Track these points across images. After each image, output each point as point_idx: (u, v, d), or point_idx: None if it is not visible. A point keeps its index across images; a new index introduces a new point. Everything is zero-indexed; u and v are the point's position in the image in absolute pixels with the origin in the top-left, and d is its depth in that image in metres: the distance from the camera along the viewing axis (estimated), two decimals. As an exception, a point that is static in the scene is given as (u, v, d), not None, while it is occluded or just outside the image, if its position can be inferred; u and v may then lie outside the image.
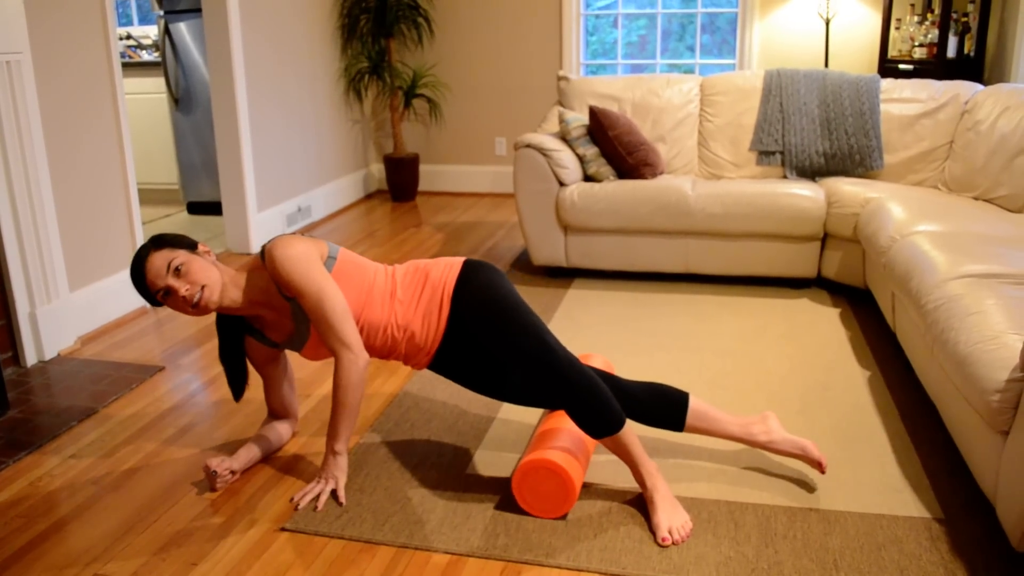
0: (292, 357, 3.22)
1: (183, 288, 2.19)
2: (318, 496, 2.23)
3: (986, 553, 1.97)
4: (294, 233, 2.31)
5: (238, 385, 2.45)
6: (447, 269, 2.34)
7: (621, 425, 2.09)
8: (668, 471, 2.35)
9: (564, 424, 2.28)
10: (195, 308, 2.21)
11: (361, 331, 2.31)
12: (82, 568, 2.01)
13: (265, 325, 2.39)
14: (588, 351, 3.22)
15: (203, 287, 2.20)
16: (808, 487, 2.26)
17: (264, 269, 2.29)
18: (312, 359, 2.42)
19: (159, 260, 2.20)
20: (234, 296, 2.28)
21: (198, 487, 2.35)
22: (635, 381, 2.31)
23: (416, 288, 2.34)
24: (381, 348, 2.35)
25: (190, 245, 2.28)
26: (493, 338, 2.17)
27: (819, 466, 2.26)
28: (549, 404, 2.21)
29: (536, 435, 2.29)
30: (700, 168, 4.25)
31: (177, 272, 2.19)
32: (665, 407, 2.27)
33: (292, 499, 2.25)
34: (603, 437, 2.11)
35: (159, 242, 2.24)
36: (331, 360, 3.20)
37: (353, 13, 5.77)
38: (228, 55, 4.51)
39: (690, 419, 2.28)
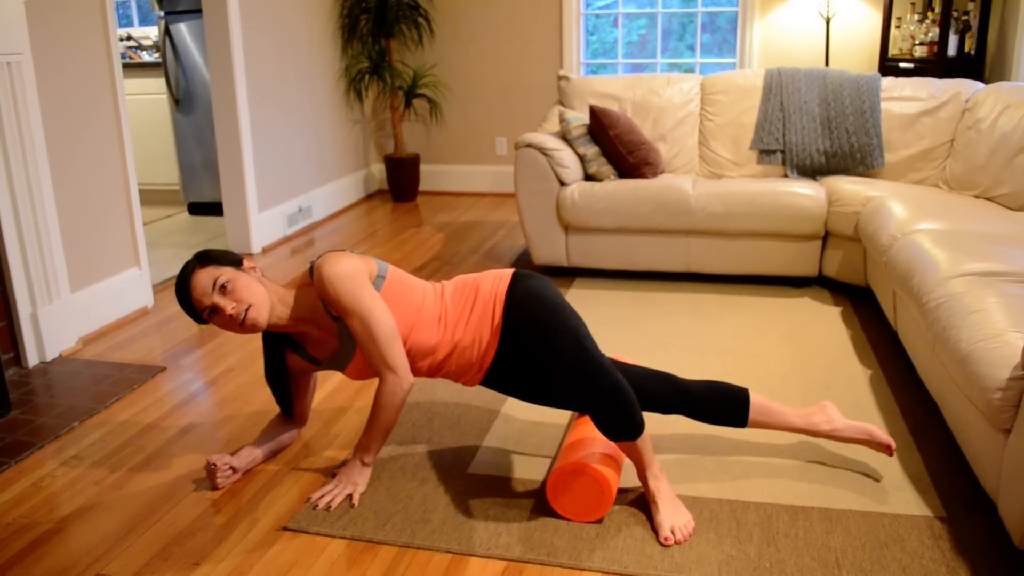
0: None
1: (229, 306, 2.15)
2: (333, 498, 2.23)
3: (988, 551, 1.97)
4: (344, 250, 2.29)
5: (286, 401, 2.44)
6: (497, 280, 2.33)
7: (640, 432, 2.07)
8: (670, 470, 2.35)
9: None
10: (242, 326, 2.18)
11: (408, 353, 2.28)
12: (84, 569, 2.01)
13: (309, 341, 2.36)
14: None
15: (249, 306, 2.17)
16: (810, 485, 2.26)
17: (312, 286, 2.26)
18: (355, 378, 2.38)
19: (204, 277, 2.16)
20: (281, 313, 2.26)
21: (200, 487, 2.35)
22: (695, 380, 2.30)
23: (467, 304, 2.32)
24: (428, 369, 2.34)
25: (236, 261, 2.25)
26: (533, 338, 2.13)
27: (887, 449, 2.25)
28: (579, 406, 2.18)
29: (579, 438, 2.25)
30: (701, 167, 4.25)
31: (223, 290, 2.16)
32: (728, 405, 2.26)
33: (309, 499, 2.25)
34: (621, 441, 2.10)
35: (204, 259, 2.20)
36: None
37: (353, 13, 5.77)
38: (228, 56, 4.51)
39: (752, 414, 2.27)
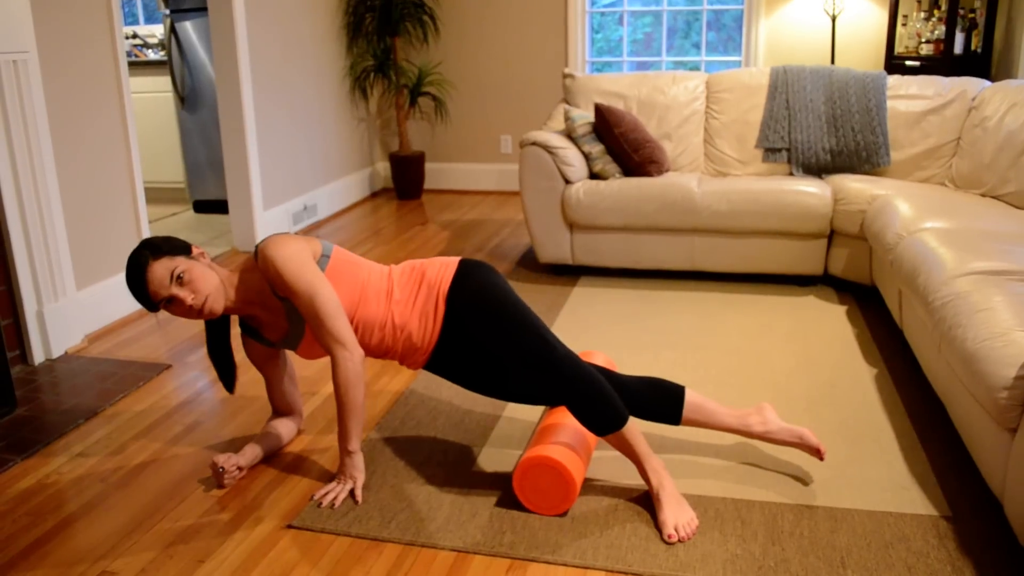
0: (295, 356, 3.22)
1: (189, 298, 2.18)
2: (336, 496, 2.24)
3: (994, 551, 1.97)
4: (287, 232, 2.31)
5: (228, 378, 2.47)
6: (443, 268, 2.34)
7: (624, 422, 2.09)
8: (674, 468, 2.35)
9: (565, 420, 2.28)
10: (199, 315, 2.21)
11: (356, 329, 2.30)
12: (90, 565, 2.01)
13: (261, 324, 2.39)
14: (594, 349, 3.22)
15: (207, 295, 2.20)
16: (815, 484, 2.25)
17: (257, 269, 2.29)
18: (308, 358, 2.42)
19: (160, 269, 2.18)
20: (230, 296, 2.29)
21: (205, 484, 2.36)
22: (631, 376, 2.32)
23: (412, 287, 2.34)
24: (377, 347, 2.35)
25: (186, 249, 2.27)
26: (492, 337, 2.17)
27: (818, 453, 2.26)
28: (551, 401, 2.22)
29: (537, 431, 2.29)
30: (706, 165, 4.24)
31: (180, 280, 2.18)
32: (661, 401, 2.28)
33: (312, 498, 2.25)
34: (607, 434, 2.11)
35: (155, 249, 2.21)
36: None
37: (358, 11, 5.77)
38: (234, 54, 4.52)
39: (686, 412, 2.29)
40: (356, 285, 2.30)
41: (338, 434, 2.28)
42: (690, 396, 2.30)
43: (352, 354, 2.21)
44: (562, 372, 2.08)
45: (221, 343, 2.44)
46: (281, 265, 2.20)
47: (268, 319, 2.36)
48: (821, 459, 2.27)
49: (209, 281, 2.22)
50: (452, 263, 2.36)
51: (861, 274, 3.68)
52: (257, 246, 2.27)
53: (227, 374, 2.46)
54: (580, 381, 2.08)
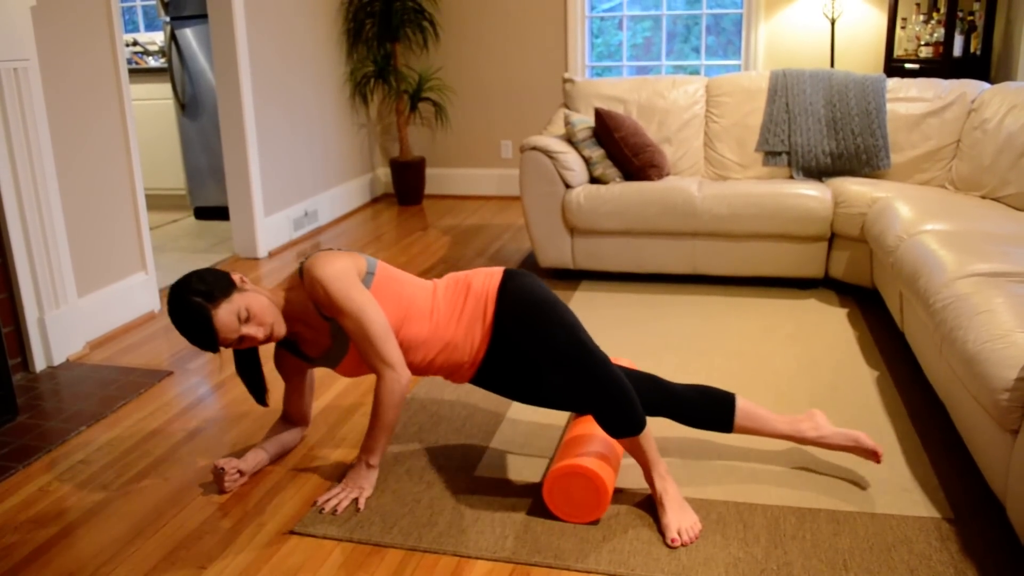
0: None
1: (261, 333, 2.18)
2: (339, 502, 2.23)
3: (996, 553, 1.96)
4: (332, 249, 2.29)
5: (259, 392, 2.44)
6: (488, 278, 2.33)
7: (643, 427, 2.08)
8: (676, 472, 2.34)
9: (595, 429, 2.26)
10: (265, 342, 2.22)
11: (400, 347, 2.28)
12: (91, 573, 2.01)
13: (301, 340, 2.36)
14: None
15: (272, 323, 2.20)
16: (817, 487, 2.25)
17: (302, 287, 2.27)
18: (347, 376, 2.39)
19: (226, 316, 2.13)
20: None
21: (207, 491, 2.36)
22: (682, 384, 2.30)
23: (458, 300, 2.32)
24: (419, 364, 2.33)
25: (232, 283, 2.21)
26: (530, 337, 2.14)
27: (875, 456, 2.24)
28: (581, 405, 2.15)
29: (571, 438, 2.26)
30: (706, 169, 4.24)
31: (246, 320, 2.17)
32: (713, 408, 2.26)
33: (315, 502, 2.25)
34: (624, 437, 2.10)
35: (208, 296, 2.14)
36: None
37: (358, 17, 5.78)
38: (234, 60, 4.52)
39: (738, 419, 2.26)
40: (401, 303, 2.28)
41: (363, 445, 2.27)
42: (741, 403, 2.28)
43: (400, 376, 2.20)
44: (592, 372, 2.06)
45: (250, 359, 2.40)
46: (328, 286, 2.17)
47: (311, 336, 2.33)
48: (878, 462, 2.25)
49: (266, 309, 2.20)
50: (497, 271, 2.35)
51: (862, 277, 3.68)
52: (302, 264, 2.25)
53: (258, 389, 2.44)
54: (609, 383, 2.05)
